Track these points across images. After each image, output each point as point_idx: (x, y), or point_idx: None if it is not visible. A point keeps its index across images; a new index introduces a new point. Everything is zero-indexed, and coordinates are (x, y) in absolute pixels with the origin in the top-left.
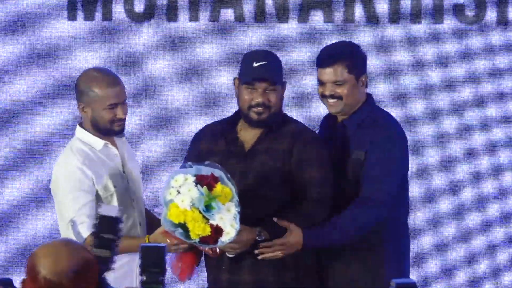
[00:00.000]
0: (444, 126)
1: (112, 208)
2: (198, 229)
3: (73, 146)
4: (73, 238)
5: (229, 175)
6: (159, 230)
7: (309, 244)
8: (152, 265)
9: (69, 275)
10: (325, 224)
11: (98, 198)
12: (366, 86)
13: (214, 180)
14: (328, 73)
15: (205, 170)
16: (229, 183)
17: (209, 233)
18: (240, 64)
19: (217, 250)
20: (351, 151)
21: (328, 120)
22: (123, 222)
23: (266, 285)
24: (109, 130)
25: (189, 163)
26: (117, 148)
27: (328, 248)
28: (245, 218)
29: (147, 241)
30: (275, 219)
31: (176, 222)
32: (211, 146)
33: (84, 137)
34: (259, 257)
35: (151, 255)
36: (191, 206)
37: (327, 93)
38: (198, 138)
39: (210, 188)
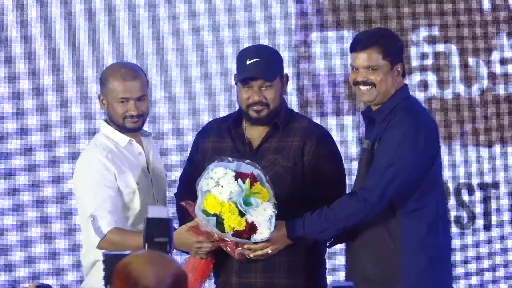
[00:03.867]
0: None
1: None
2: (234, 222)
3: (97, 141)
4: (92, 233)
5: (267, 177)
6: (185, 226)
7: (294, 235)
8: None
9: (168, 284)
10: (311, 215)
11: (120, 195)
12: (403, 77)
13: (253, 179)
14: (362, 58)
15: (245, 168)
16: (267, 185)
17: (244, 228)
18: (236, 61)
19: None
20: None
21: (364, 114)
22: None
23: None
24: (121, 126)
25: (229, 158)
26: (142, 146)
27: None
28: None
29: None
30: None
31: (211, 212)
32: (218, 144)
33: (109, 133)
34: (249, 256)
35: (114, 266)
36: (229, 200)
37: (359, 78)
38: (203, 135)
39: (250, 184)
